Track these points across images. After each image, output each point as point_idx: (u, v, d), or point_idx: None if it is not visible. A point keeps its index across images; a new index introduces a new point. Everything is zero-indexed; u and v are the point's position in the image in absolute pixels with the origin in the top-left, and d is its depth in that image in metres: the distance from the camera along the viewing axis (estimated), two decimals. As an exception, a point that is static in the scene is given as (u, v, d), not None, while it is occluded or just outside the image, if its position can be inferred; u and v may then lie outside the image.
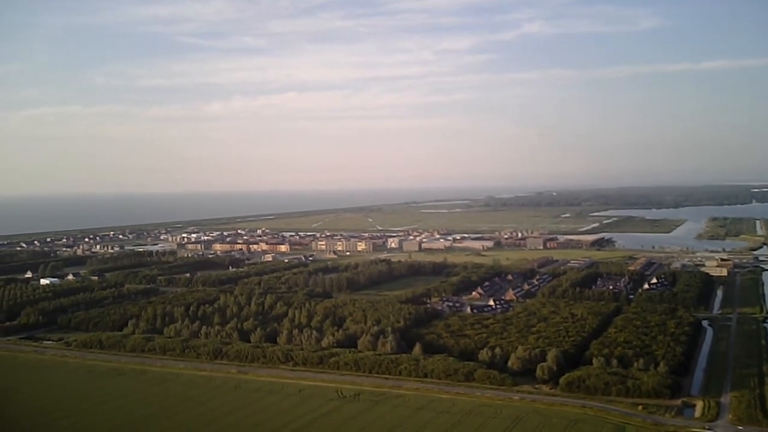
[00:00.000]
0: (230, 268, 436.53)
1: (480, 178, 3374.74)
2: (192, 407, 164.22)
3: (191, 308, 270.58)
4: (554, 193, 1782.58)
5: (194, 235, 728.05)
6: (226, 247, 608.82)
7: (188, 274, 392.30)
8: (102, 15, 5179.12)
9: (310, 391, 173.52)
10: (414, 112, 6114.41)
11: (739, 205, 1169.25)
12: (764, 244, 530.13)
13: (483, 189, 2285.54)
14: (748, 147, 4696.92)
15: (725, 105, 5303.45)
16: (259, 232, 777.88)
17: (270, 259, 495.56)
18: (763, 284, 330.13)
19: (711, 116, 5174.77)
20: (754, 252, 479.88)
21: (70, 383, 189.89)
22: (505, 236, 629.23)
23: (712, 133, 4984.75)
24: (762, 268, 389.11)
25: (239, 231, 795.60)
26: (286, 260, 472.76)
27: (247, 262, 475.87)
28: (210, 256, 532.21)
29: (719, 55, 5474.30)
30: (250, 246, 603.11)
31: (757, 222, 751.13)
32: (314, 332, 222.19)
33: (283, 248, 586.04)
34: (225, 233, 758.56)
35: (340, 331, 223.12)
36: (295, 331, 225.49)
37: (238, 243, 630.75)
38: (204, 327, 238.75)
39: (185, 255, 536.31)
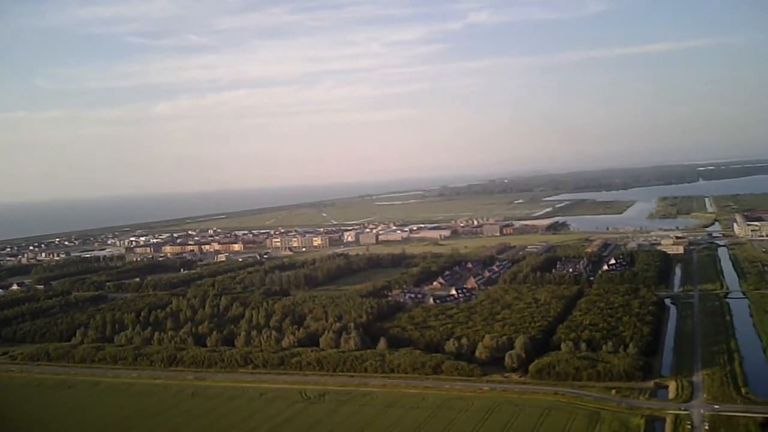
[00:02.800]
0: (182, 270, 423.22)
1: (433, 169, 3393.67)
2: (148, 418, 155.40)
3: (142, 314, 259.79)
4: (506, 180, 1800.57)
5: (143, 239, 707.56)
6: (177, 249, 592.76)
7: (138, 279, 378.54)
8: (45, 17, 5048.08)
9: (273, 394, 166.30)
10: (367, 105, 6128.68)
11: (686, 184, 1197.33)
12: (716, 220, 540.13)
13: (437, 179, 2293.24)
14: (693, 127, 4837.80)
15: (672, 86, 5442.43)
16: (210, 232, 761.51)
17: (223, 259, 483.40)
18: (719, 260, 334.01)
19: (658, 98, 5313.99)
20: (707, 229, 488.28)
21: (16, 399, 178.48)
22: (462, 224, 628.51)
23: (659, 115, 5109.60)
24: (716, 244, 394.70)
25: (190, 232, 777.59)
26: (240, 259, 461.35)
27: (199, 263, 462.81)
28: (160, 259, 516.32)
29: (666, 37, 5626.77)
30: (202, 247, 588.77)
31: (707, 199, 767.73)
32: (273, 332, 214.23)
33: (236, 247, 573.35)
34: (175, 235, 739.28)
35: (301, 329, 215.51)
36: (254, 333, 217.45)
37: (189, 244, 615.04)
38: (157, 333, 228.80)
39: (134, 259, 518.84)
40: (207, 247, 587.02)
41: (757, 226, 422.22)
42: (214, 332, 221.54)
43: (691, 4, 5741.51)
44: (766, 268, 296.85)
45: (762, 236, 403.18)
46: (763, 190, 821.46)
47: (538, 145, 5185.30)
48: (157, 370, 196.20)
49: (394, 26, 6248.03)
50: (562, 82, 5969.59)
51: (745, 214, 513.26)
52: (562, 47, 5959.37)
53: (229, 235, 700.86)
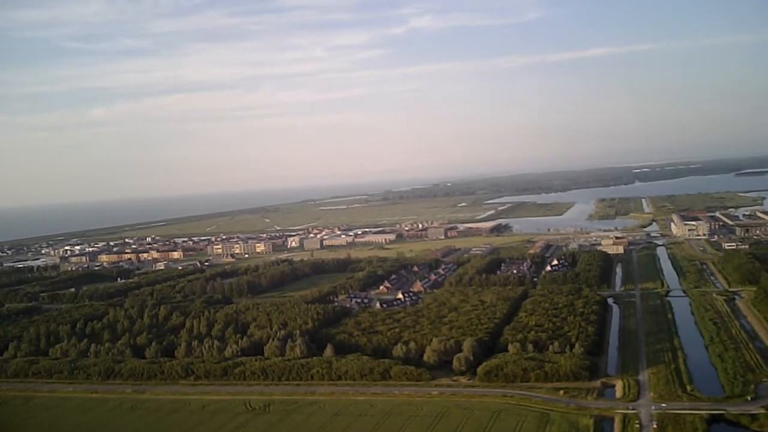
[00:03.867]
0: (119, 279, 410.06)
1: (377, 173, 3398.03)
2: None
3: (78, 325, 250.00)
4: (449, 184, 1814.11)
5: (78, 247, 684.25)
6: (114, 257, 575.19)
7: (73, 289, 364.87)
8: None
9: (216, 406, 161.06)
10: (310, 109, 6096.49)
11: (623, 186, 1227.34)
12: (653, 220, 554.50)
13: (381, 183, 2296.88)
14: (628, 130, 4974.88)
15: (608, 91, 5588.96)
16: (148, 239, 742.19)
17: (162, 267, 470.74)
18: (659, 259, 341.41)
19: (593, 101, 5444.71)
20: (645, 229, 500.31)
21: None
22: (407, 228, 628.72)
23: (593, 119, 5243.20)
24: (655, 243, 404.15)
25: (127, 240, 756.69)
26: (179, 267, 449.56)
27: (137, 272, 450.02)
28: (96, 268, 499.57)
29: (602, 43, 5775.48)
30: (140, 255, 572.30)
31: (643, 200, 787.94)
32: (216, 342, 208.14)
33: (176, 255, 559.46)
34: (112, 243, 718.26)
35: (244, 338, 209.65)
36: (195, 343, 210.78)
37: (127, 252, 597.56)
38: (93, 345, 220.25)
39: (69, 269, 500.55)
40: (145, 255, 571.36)
41: (693, 225, 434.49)
42: (153, 343, 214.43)
43: (623, 12, 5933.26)
44: (703, 266, 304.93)
45: (698, 235, 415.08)
46: (697, 191, 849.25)
47: (479, 148, 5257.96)
48: (94, 384, 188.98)
49: (336, 31, 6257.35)
50: (500, 86, 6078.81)
51: (682, 214, 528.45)
52: (501, 53, 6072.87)
53: (168, 242, 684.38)
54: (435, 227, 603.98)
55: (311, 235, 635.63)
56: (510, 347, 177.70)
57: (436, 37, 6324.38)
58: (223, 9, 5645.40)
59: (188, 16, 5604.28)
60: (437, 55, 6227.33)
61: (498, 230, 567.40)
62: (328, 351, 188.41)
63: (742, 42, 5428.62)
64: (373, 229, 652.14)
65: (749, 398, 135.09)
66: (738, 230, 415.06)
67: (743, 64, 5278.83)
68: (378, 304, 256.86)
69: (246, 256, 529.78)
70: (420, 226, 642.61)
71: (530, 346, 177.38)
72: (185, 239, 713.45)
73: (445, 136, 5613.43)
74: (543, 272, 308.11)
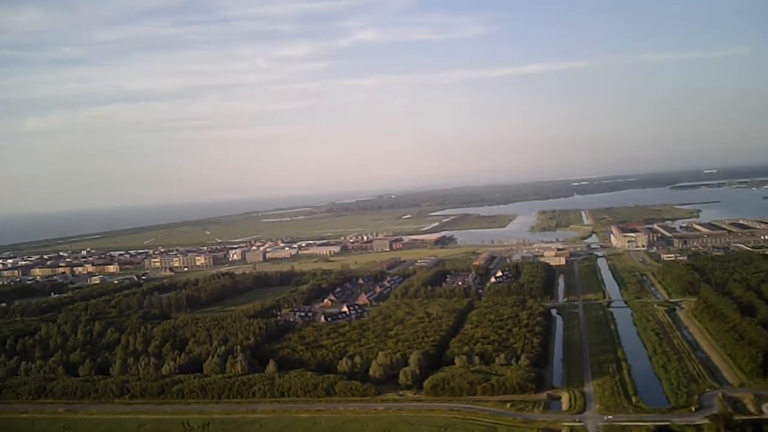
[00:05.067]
0: (52, 294, 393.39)
1: (321, 186, 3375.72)
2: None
3: (8, 342, 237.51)
4: (394, 196, 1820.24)
5: (10, 261, 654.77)
6: (47, 271, 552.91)
7: (4, 304, 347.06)
8: None
9: (152, 425, 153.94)
10: (253, 121, 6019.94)
11: (562, 198, 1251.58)
12: (593, 232, 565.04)
13: (325, 195, 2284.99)
14: (567, 144, 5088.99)
15: (545, 106, 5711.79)
16: (84, 252, 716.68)
17: (97, 281, 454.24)
18: (600, 270, 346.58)
19: (533, 117, 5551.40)
20: (585, 240, 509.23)
21: None
22: (351, 240, 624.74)
23: (534, 133, 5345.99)
24: (596, 255, 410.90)
25: (62, 253, 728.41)
26: (115, 281, 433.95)
27: (71, 286, 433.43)
28: (29, 282, 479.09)
29: (539, 59, 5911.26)
30: (75, 269, 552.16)
31: (583, 212, 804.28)
32: (152, 359, 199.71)
33: (112, 269, 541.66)
34: (45, 256, 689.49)
35: (183, 355, 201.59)
36: (131, 360, 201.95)
37: (61, 266, 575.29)
38: (24, 362, 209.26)
39: (0, 283, 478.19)
40: (80, 269, 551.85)
41: (632, 237, 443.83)
42: (87, 360, 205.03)
43: (559, 30, 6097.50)
44: (643, 277, 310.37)
45: (638, 247, 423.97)
46: (635, 203, 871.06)
47: (423, 161, 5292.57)
48: (24, 403, 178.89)
49: (280, 42, 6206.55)
50: (442, 100, 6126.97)
51: (621, 225, 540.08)
52: (443, 67, 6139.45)
53: (104, 255, 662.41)
54: (380, 239, 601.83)
55: (254, 247, 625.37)
56: (456, 360, 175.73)
57: (379, 50, 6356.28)
58: (166, 18, 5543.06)
59: (130, 25, 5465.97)
60: (381, 68, 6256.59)
61: (443, 242, 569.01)
62: (271, 367, 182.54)
63: (672, 59, 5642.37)
64: (318, 242, 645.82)
65: (693, 409, 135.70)
66: (676, 242, 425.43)
67: (674, 81, 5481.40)
68: (322, 318, 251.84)
69: (185, 269, 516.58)
70: (365, 238, 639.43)
71: (476, 359, 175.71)
72: (122, 252, 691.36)
73: (389, 149, 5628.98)
74: (488, 284, 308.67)
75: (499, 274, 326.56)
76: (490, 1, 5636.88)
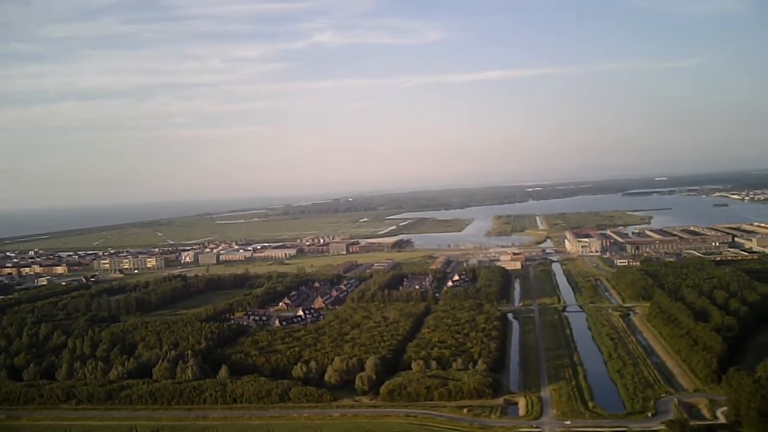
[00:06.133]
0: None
1: (276, 188, 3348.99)
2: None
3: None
4: (350, 199, 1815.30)
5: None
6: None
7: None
8: None
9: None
10: (207, 121, 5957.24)
11: (517, 204, 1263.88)
12: (548, 237, 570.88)
13: (280, 198, 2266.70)
14: (521, 151, 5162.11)
15: (500, 112, 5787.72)
16: (31, 253, 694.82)
17: (45, 282, 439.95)
18: (554, 275, 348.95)
19: (489, 123, 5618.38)
20: (540, 245, 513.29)
21: None
22: (308, 243, 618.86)
23: (490, 139, 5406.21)
24: (550, 260, 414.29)
25: (8, 253, 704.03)
26: (63, 283, 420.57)
27: (17, 287, 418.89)
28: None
29: (495, 66, 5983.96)
30: (21, 269, 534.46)
31: (537, 218, 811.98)
32: (100, 363, 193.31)
33: (60, 270, 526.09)
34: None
35: (131, 359, 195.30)
36: (77, 364, 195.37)
37: (7, 267, 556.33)
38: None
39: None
40: (27, 269, 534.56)
41: (586, 242, 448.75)
42: (32, 364, 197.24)
43: (516, 38, 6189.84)
44: (597, 282, 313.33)
45: (591, 252, 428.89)
46: (587, 209, 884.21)
47: (380, 165, 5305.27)
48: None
49: (236, 42, 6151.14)
50: (399, 105, 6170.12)
51: (575, 231, 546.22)
52: (400, 72, 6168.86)
53: (52, 256, 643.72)
54: (336, 242, 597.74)
55: (207, 249, 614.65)
56: (413, 365, 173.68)
57: (337, 53, 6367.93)
58: (120, 16, 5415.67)
59: (83, 21, 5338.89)
60: (338, 72, 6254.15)
61: (400, 246, 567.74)
62: (223, 372, 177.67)
63: (624, 69, 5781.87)
64: (273, 244, 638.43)
65: (649, 414, 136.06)
66: (629, 247, 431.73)
67: (626, 90, 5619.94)
68: (277, 322, 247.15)
69: (136, 271, 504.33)
70: (321, 241, 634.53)
71: (434, 363, 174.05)
72: (71, 253, 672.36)
73: (345, 152, 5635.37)
74: (445, 288, 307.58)
75: (456, 278, 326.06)
76: (447, 7, 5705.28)
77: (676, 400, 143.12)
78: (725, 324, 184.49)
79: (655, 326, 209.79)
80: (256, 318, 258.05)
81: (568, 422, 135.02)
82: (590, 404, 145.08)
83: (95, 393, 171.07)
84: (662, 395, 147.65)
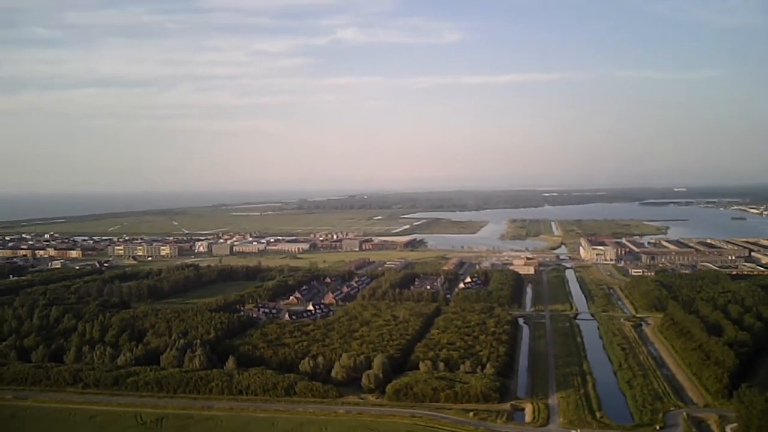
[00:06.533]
0: (11, 276, 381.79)
1: (292, 182, 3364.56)
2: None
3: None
4: (365, 197, 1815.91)
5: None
6: (8, 252, 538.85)
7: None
8: None
9: (104, 417, 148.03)
10: (226, 113, 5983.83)
11: (533, 208, 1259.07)
12: (562, 243, 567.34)
13: (295, 192, 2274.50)
14: (538, 154, 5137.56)
15: (519, 115, 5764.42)
16: (47, 236, 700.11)
17: (59, 265, 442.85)
18: (568, 281, 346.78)
19: (504, 125, 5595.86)
20: (554, 251, 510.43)
21: None
22: (321, 238, 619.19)
23: (506, 142, 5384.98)
24: (564, 266, 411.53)
25: (24, 235, 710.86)
26: (77, 267, 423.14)
27: (31, 269, 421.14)
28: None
29: (513, 69, 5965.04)
30: (36, 252, 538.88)
31: (553, 223, 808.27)
32: (108, 348, 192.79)
33: (74, 254, 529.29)
34: (7, 238, 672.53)
35: (140, 346, 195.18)
36: (86, 348, 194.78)
37: (22, 248, 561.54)
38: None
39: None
40: (41, 252, 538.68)
41: (601, 250, 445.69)
42: (41, 346, 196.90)
43: (537, 40, 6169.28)
44: (611, 290, 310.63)
45: (606, 260, 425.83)
46: (603, 217, 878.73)
47: (395, 163, 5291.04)
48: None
49: (258, 36, 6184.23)
50: (415, 104, 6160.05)
51: (590, 238, 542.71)
52: (418, 72, 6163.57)
53: (67, 240, 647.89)
54: (350, 239, 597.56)
55: (221, 240, 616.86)
56: (421, 365, 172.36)
57: (358, 50, 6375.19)
58: (144, 5, 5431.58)
59: (105, 9, 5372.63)
60: (357, 69, 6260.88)
61: (413, 245, 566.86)
62: (230, 363, 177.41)
63: (647, 77, 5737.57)
64: (287, 238, 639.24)
65: (658, 427, 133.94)
66: (644, 257, 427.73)
67: (646, 99, 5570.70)
68: (287, 316, 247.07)
69: (149, 258, 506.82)
70: (334, 236, 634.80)
71: (441, 365, 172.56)
72: (86, 238, 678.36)
73: (362, 150, 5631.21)
74: (456, 289, 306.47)
75: (468, 280, 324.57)
76: (468, 9, 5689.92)
77: (685, 414, 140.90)
78: (738, 339, 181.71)
79: (667, 338, 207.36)
80: (266, 311, 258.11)
81: (575, 431, 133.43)
82: (598, 414, 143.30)
83: (102, 378, 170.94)
84: (671, 408, 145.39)
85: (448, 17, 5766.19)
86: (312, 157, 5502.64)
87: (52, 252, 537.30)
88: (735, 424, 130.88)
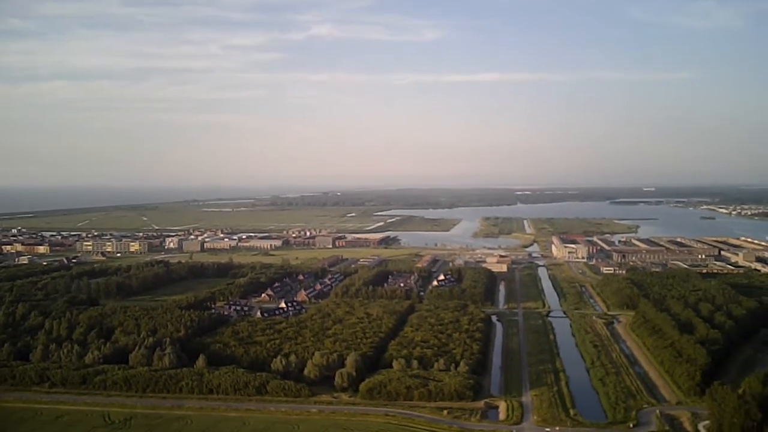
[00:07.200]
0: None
1: (265, 178, 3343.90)
2: None
3: None
4: (339, 193, 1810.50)
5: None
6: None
7: None
8: None
9: (71, 417, 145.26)
10: (199, 107, 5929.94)
11: (506, 206, 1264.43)
12: (535, 241, 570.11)
13: (269, 188, 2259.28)
14: (511, 154, 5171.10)
15: (494, 114, 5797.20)
16: (14, 231, 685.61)
17: (26, 261, 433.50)
18: (540, 279, 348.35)
19: (481, 125, 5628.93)
20: (527, 249, 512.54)
21: None
22: (294, 235, 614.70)
23: (481, 140, 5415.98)
24: (537, 264, 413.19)
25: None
26: (44, 263, 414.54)
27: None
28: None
29: (491, 68, 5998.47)
30: (3, 247, 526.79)
31: (525, 221, 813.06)
32: (76, 346, 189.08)
33: (42, 249, 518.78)
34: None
35: (108, 344, 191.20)
36: (53, 346, 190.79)
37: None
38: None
39: None
40: (8, 247, 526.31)
41: (573, 248, 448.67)
42: (7, 344, 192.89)
43: (513, 42, 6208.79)
44: (583, 288, 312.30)
45: (578, 258, 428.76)
46: (575, 215, 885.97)
47: (369, 161, 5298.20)
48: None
49: (233, 30, 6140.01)
50: (393, 102, 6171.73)
51: (562, 236, 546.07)
52: (396, 69, 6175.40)
53: (34, 235, 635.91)
54: (323, 236, 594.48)
55: (192, 236, 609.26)
56: (395, 363, 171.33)
57: (333, 46, 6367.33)
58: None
59: (80, 1, 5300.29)
60: (334, 65, 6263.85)
61: (386, 242, 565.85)
62: (201, 362, 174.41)
63: (619, 78, 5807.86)
64: (259, 234, 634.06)
65: (631, 425, 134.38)
66: (615, 255, 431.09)
67: (620, 99, 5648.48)
68: (259, 313, 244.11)
69: (118, 255, 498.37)
70: (308, 233, 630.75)
71: (415, 363, 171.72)
72: (54, 233, 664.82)
73: (336, 146, 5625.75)
74: (430, 287, 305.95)
75: (442, 277, 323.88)
76: (446, 7, 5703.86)
77: (658, 411, 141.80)
78: (710, 337, 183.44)
79: (639, 336, 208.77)
80: (238, 308, 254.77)
81: (548, 429, 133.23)
82: (572, 412, 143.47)
83: (69, 376, 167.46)
84: (644, 406, 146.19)
85: (428, 15, 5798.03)
86: (286, 153, 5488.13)
87: (19, 247, 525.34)
88: (707, 422, 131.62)
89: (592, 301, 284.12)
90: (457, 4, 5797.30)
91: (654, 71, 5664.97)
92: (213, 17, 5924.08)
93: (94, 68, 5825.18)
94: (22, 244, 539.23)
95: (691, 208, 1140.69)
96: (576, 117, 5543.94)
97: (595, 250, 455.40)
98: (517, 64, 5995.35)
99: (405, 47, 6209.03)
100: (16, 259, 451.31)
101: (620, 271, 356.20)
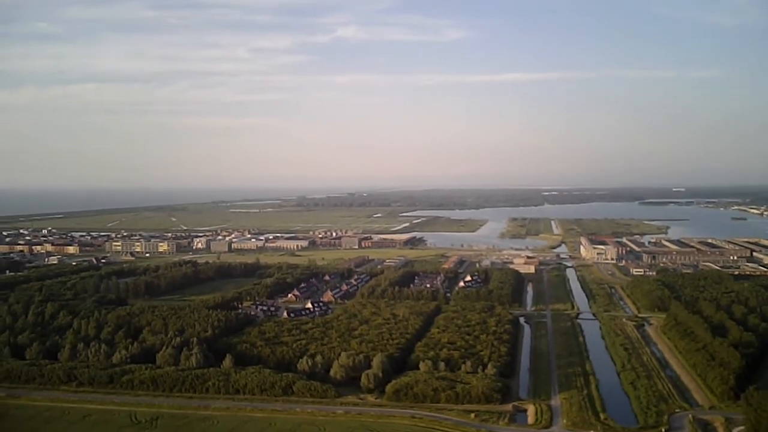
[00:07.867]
0: (7, 272, 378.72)
1: (292, 179, 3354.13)
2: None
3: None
4: (365, 194, 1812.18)
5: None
6: (5, 248, 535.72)
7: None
8: None
9: (98, 416, 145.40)
10: (225, 110, 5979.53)
11: (532, 207, 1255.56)
12: (563, 242, 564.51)
13: (295, 189, 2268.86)
14: (538, 154, 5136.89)
15: (519, 114, 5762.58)
16: (44, 231, 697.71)
17: (55, 261, 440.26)
18: (568, 281, 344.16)
19: (504, 124, 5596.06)
20: (554, 250, 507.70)
21: None
22: (320, 236, 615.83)
23: (506, 140, 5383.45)
24: (565, 265, 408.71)
25: (21, 231, 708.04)
26: (74, 263, 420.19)
27: (27, 265, 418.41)
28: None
29: (515, 68, 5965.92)
30: (33, 247, 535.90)
31: (553, 222, 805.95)
32: (104, 346, 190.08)
33: (71, 250, 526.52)
34: (4, 233, 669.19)
35: (136, 343, 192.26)
36: (81, 345, 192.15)
37: (19, 244, 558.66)
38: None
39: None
40: (39, 248, 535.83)
41: (602, 249, 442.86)
42: (35, 343, 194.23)
43: (539, 39, 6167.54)
44: (612, 290, 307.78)
45: (606, 259, 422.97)
46: (603, 216, 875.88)
47: (395, 161, 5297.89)
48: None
49: (259, 33, 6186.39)
50: (418, 102, 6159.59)
51: (590, 237, 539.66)
52: (421, 69, 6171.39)
53: (64, 236, 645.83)
54: (349, 236, 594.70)
55: (219, 237, 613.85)
56: (421, 365, 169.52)
57: (359, 48, 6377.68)
58: (146, 0, 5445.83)
59: (107, 4, 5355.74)
60: (358, 67, 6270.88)
61: (412, 243, 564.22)
62: (227, 362, 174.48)
63: (647, 77, 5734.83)
64: (285, 235, 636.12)
65: (663, 430, 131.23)
66: (645, 257, 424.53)
67: (646, 98, 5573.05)
68: (285, 313, 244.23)
69: (147, 255, 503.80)
70: (334, 234, 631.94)
71: (442, 365, 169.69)
72: (83, 234, 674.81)
73: (361, 147, 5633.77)
74: (456, 288, 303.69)
75: (468, 278, 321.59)
76: (469, 7, 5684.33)
77: (691, 416, 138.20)
78: (744, 340, 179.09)
79: (671, 338, 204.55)
80: (264, 308, 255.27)
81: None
82: (602, 416, 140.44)
83: (97, 376, 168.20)
84: (676, 410, 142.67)
85: (450, 15, 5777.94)
86: (312, 155, 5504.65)
87: (49, 248, 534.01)
88: (742, 427, 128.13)
89: (622, 303, 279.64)
90: (477, 4, 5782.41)
91: (681, 68, 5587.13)
92: (240, 20, 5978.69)
93: (122, 71, 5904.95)
94: (52, 245, 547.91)
95: (721, 209, 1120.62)
96: (601, 116, 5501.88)
97: (624, 251, 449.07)
98: (538, 64, 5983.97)
99: (427, 48, 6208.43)
100: (46, 259, 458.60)
101: (650, 273, 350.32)
